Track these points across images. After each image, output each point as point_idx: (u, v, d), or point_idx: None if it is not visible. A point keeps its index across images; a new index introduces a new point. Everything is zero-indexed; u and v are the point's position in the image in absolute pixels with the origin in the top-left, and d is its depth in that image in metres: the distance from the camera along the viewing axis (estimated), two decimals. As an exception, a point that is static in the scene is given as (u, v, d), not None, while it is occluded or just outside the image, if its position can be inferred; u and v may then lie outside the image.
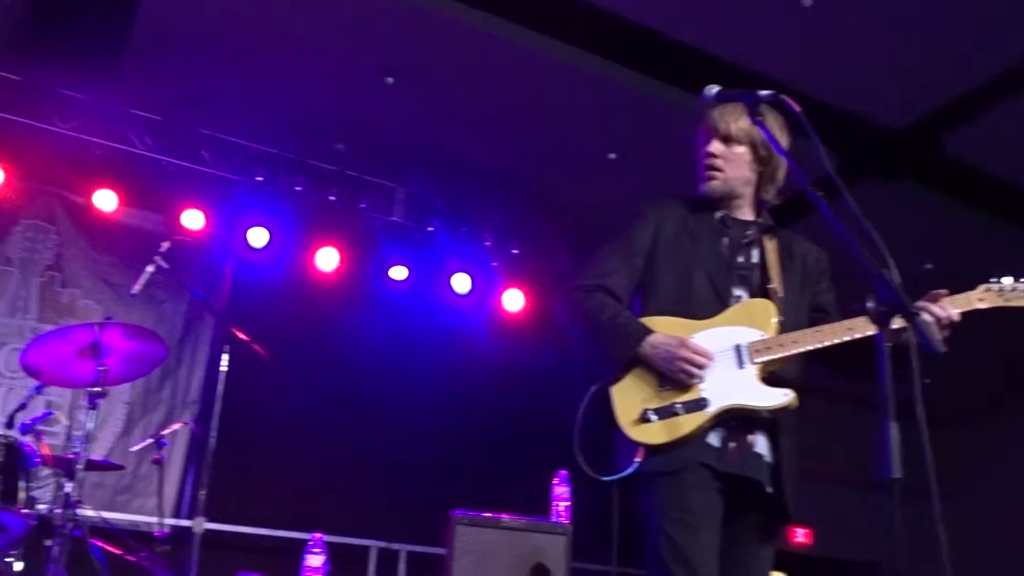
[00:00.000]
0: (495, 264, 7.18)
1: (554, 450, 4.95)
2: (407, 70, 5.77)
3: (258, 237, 6.40)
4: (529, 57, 5.49)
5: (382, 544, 6.42)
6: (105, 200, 6.07)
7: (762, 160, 2.67)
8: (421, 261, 6.96)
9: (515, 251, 7.19)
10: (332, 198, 6.53)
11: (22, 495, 3.42)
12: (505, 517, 4.67)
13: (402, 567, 6.49)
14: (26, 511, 3.44)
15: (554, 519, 4.94)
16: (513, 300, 7.29)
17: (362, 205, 6.66)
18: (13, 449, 3.47)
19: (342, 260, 6.77)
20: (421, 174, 6.78)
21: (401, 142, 6.49)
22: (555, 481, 5.05)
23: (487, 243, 7.05)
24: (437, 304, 7.06)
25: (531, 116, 6.12)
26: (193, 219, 6.25)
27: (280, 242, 6.52)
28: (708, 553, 2.36)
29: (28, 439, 3.79)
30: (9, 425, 4.33)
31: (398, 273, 6.88)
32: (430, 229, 6.90)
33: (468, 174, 6.71)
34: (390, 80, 5.86)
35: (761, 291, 2.58)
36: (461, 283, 7.03)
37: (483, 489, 5.85)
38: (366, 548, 6.36)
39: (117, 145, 6.01)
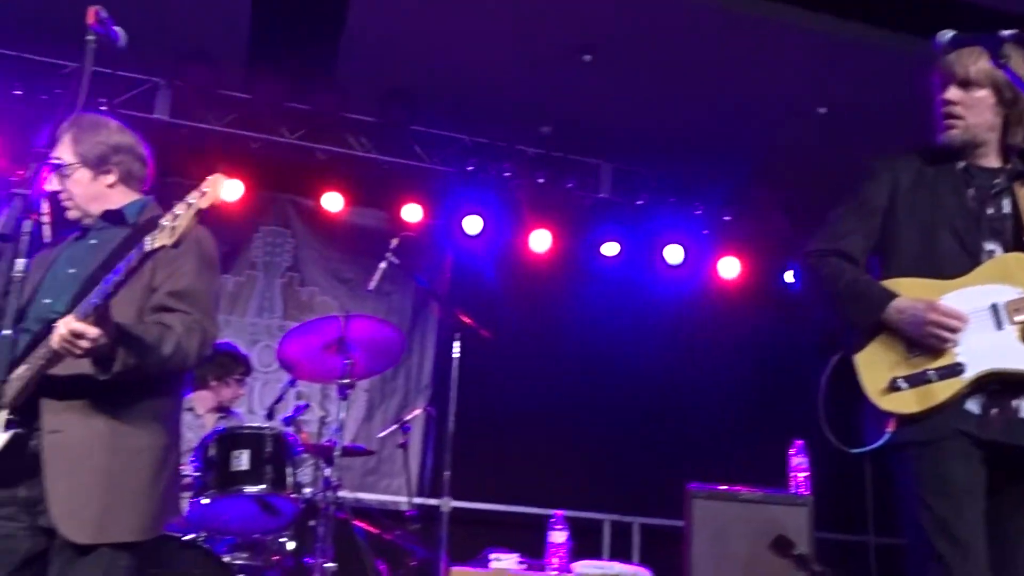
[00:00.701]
0: (707, 232, 7.07)
1: (785, 420, 4.87)
2: (603, 45, 5.77)
3: (473, 225, 6.63)
4: (729, 17, 5.35)
5: (615, 517, 6.52)
6: (332, 202, 6.49)
7: (1007, 103, 2.47)
8: (632, 235, 6.95)
9: (727, 218, 7.04)
10: (540, 180, 6.64)
11: (290, 481, 3.73)
12: (742, 490, 4.60)
13: (635, 540, 6.56)
14: (295, 496, 3.75)
15: (793, 490, 4.82)
16: (729, 267, 7.15)
17: (569, 185, 6.73)
18: (280, 439, 3.78)
19: (554, 240, 6.88)
20: (626, 149, 6.77)
21: (603, 118, 6.50)
22: (791, 451, 4.92)
23: (698, 212, 6.95)
24: (651, 277, 7.04)
25: (735, 78, 5.95)
26: (412, 212, 6.56)
27: (494, 228, 6.71)
28: (976, 527, 2.23)
29: (290, 429, 4.13)
30: (269, 417, 4.76)
31: (610, 249, 6.91)
32: (639, 203, 6.88)
33: (674, 144, 6.63)
34: (588, 57, 5.88)
35: (1016, 244, 2.40)
36: (674, 254, 6.96)
37: (714, 462, 5.81)
38: (599, 522, 6.48)
39: (338, 149, 6.40)
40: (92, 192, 2.55)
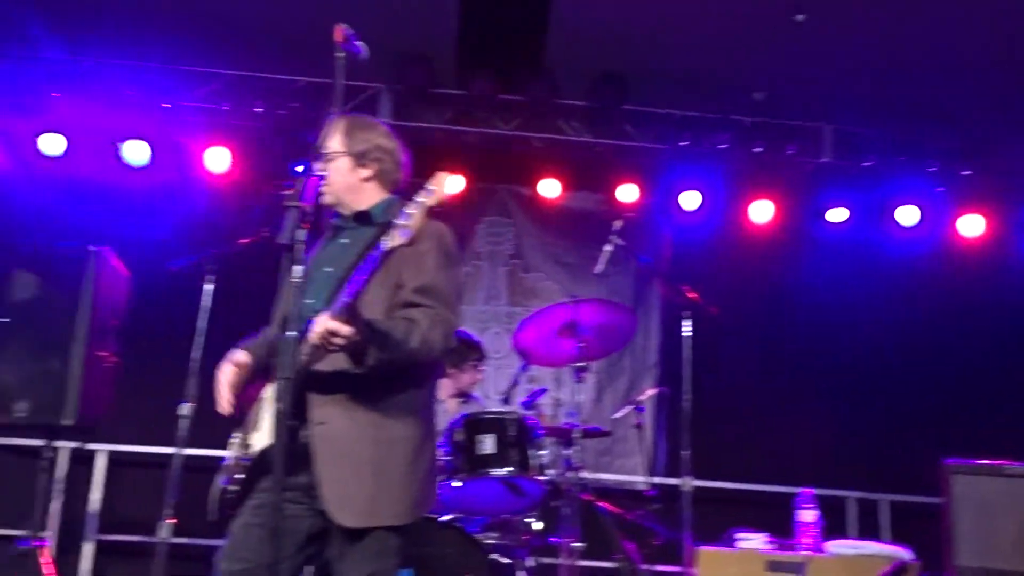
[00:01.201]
0: (943, 190, 6.60)
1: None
2: (816, 2, 5.50)
3: (691, 200, 6.52)
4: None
5: (860, 495, 6.26)
6: (549, 188, 6.59)
7: None
8: (859, 199, 6.60)
9: (966, 172, 6.54)
10: (758, 149, 6.44)
11: (534, 463, 3.83)
12: (1006, 464, 4.29)
13: (884, 518, 6.27)
14: (539, 477, 3.85)
15: (1060, 463, 4.44)
16: (970, 226, 6.65)
17: (790, 151, 6.48)
18: (522, 423, 3.89)
19: (776, 210, 6.65)
20: (847, 109, 6.45)
21: (821, 80, 6.21)
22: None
23: (932, 169, 6.50)
24: (883, 241, 6.67)
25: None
26: (628, 192, 6.54)
27: (712, 201, 6.57)
28: None
29: (530, 413, 4.24)
30: (506, 401, 4.91)
31: (837, 215, 6.59)
32: (866, 164, 6.52)
33: (898, 100, 6.24)
34: (800, 17, 5.62)
35: None
36: (907, 216, 6.55)
37: (963, 434, 5.47)
38: (842, 499, 6.24)
39: (552, 136, 6.48)
40: (348, 182, 2.74)
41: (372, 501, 2.47)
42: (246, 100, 6.12)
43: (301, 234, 2.12)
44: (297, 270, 2.11)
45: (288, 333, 2.06)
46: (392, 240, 2.31)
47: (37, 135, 6.06)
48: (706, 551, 4.17)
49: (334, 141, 2.72)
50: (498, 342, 6.31)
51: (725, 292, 5.65)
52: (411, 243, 2.34)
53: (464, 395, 4.80)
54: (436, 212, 2.39)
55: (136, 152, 6.14)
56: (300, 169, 2.27)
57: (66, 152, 6.16)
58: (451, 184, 5.58)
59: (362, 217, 2.75)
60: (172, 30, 5.87)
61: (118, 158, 6.16)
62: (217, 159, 6.22)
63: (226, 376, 2.66)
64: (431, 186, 2.34)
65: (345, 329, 2.30)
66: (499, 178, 6.79)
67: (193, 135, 6.20)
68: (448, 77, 6.29)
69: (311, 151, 2.41)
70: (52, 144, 6.08)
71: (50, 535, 5.54)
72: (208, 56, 6.07)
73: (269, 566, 2.42)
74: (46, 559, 4.23)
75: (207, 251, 3.95)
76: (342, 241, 2.74)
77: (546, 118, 6.45)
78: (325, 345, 2.34)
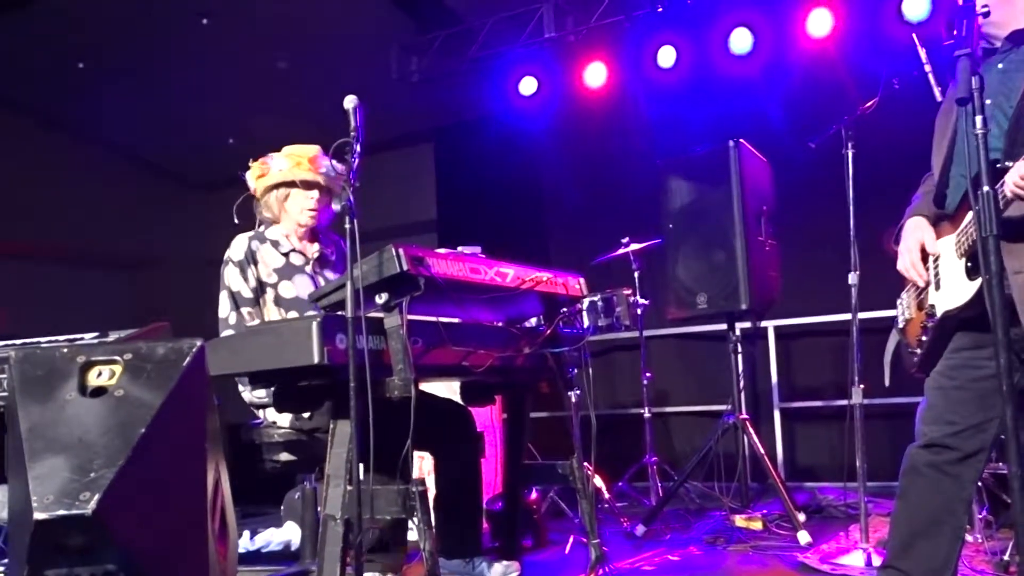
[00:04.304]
0: None
1: None
2: None
3: None
4: None
5: None
6: None
7: None
8: None
9: None
10: None
11: None
12: None
13: None
14: None
15: None
16: None
17: None
18: None
19: None
20: None
21: None
22: None
23: None
24: None
25: None
26: None
27: None
28: None
29: None
30: None
31: None
32: None
33: None
34: None
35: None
36: None
37: None
38: None
39: None
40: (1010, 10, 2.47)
41: None
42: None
43: (975, 82, 1.97)
44: (979, 121, 1.98)
45: (983, 189, 1.95)
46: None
47: (655, 50, 6.64)
48: None
49: None
50: None
51: None
52: None
53: None
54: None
55: (741, 41, 6.35)
56: (962, 10, 2.08)
57: (676, 62, 6.64)
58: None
59: (1018, 37, 2.48)
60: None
61: (727, 52, 6.43)
62: (819, 23, 6.12)
63: (914, 248, 2.63)
64: None
65: None
66: None
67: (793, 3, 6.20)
68: None
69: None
70: (667, 57, 6.62)
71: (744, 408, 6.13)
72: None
73: (976, 426, 2.38)
74: (747, 429, 4.68)
75: (841, 119, 3.89)
76: (997, 66, 2.50)
77: None
78: (1018, 193, 2.19)
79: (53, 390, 2.05)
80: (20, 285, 8.54)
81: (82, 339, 2.77)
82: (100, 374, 2.09)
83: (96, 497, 1.86)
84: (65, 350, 2.13)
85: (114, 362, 2.10)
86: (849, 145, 3.84)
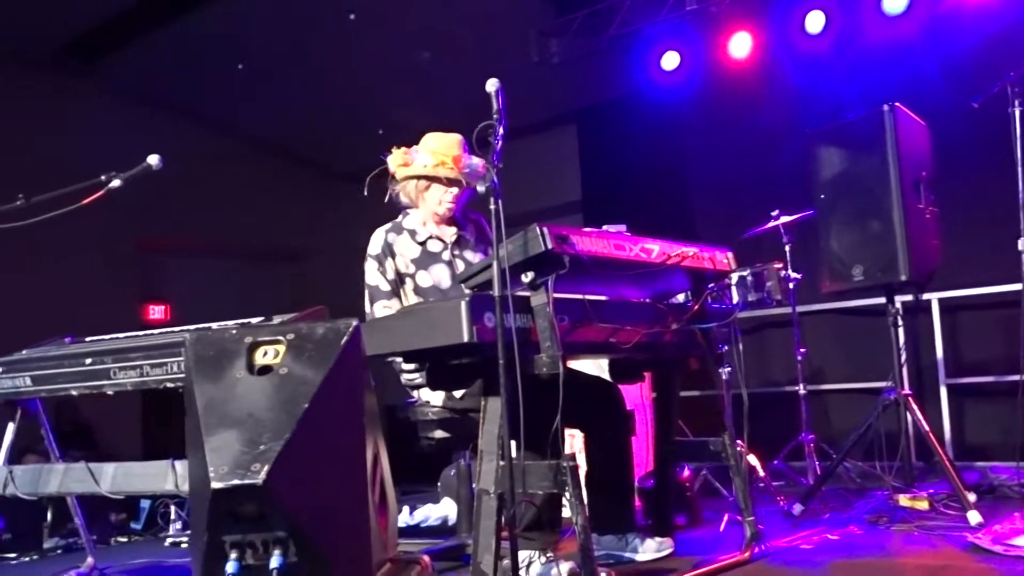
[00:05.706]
0: None
1: None
2: None
3: None
4: None
5: None
6: None
7: None
8: None
9: None
10: None
11: None
12: None
13: None
14: None
15: None
16: None
17: None
18: None
19: None
20: None
21: None
22: None
23: None
24: None
25: None
26: None
27: None
28: None
29: None
30: None
31: None
32: None
33: None
34: None
35: None
36: None
37: None
38: None
39: None
40: None
41: None
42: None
43: None
44: None
45: None
46: None
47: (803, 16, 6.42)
48: None
49: None
50: None
51: None
52: None
53: None
54: None
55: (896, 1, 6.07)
56: None
57: (825, 27, 6.40)
58: None
59: None
60: None
61: (878, 10, 6.15)
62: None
63: None
64: None
65: None
66: None
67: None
68: None
69: None
70: (816, 22, 6.39)
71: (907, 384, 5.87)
72: None
73: None
74: (911, 406, 4.47)
75: (1007, 75, 3.65)
76: None
77: None
78: None
79: (224, 369, 2.19)
80: (180, 278, 9.12)
81: (249, 323, 2.93)
82: (266, 353, 2.22)
83: (265, 468, 1.98)
84: (234, 331, 2.27)
85: (278, 342, 2.22)
86: (1016, 103, 3.62)
